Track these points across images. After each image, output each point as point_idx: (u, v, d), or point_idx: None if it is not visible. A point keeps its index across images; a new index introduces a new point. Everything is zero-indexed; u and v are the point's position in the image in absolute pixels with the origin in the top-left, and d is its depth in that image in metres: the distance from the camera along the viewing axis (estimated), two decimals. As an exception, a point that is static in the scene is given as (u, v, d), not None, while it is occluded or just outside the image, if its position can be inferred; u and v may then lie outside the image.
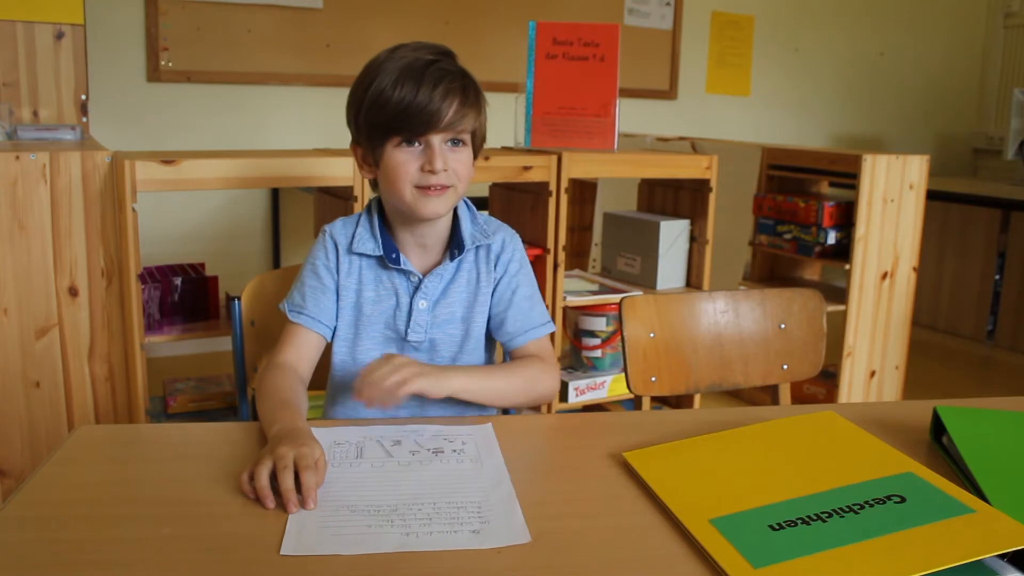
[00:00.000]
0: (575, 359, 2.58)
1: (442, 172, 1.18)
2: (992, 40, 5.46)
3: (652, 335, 1.43)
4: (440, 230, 1.28)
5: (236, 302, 1.44)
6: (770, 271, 3.38)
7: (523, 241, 1.35)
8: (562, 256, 2.32)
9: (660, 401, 2.65)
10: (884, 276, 2.89)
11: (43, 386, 1.89)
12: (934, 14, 5.32)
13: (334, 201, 2.18)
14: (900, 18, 5.23)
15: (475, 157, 1.25)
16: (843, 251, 2.92)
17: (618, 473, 0.94)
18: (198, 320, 2.13)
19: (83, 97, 2.72)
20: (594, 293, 2.47)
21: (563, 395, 2.45)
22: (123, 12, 3.36)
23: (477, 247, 1.29)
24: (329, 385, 1.32)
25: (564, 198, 2.30)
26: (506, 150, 2.40)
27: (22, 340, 1.86)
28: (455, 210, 1.28)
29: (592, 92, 2.33)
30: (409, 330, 1.25)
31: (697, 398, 2.54)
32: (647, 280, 2.55)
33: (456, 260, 1.27)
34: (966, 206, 4.12)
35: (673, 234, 2.53)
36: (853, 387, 2.92)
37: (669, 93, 4.60)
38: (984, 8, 5.46)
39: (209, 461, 0.95)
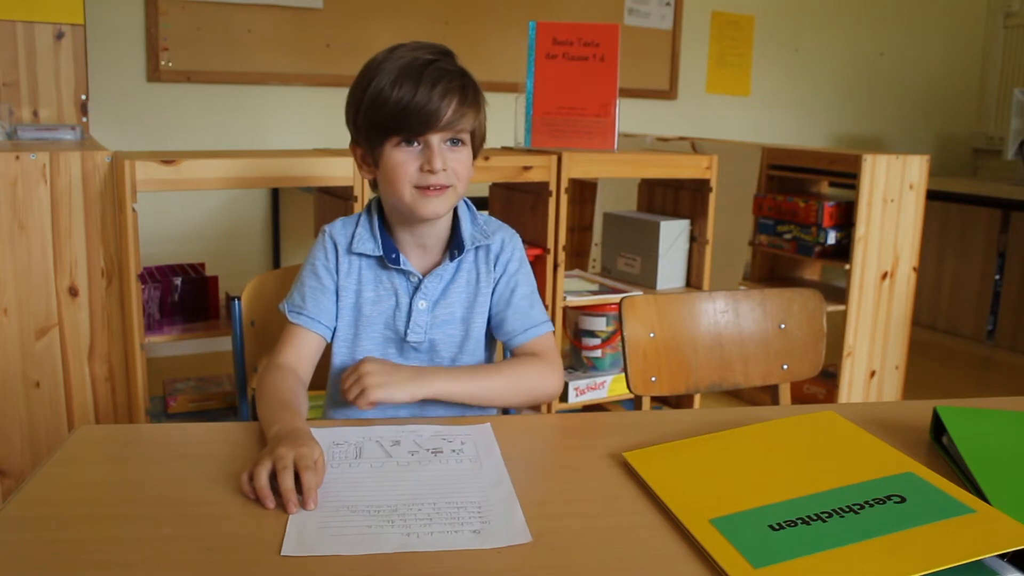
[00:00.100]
0: (575, 359, 2.58)
1: (441, 172, 1.17)
2: (992, 40, 5.46)
3: (652, 335, 1.43)
4: (440, 230, 1.28)
5: (236, 302, 1.44)
6: (770, 271, 3.38)
7: (523, 241, 1.35)
8: (562, 256, 2.32)
9: (660, 401, 2.65)
10: (884, 276, 2.89)
11: (43, 386, 1.89)
12: (934, 14, 5.32)
13: (334, 201, 2.18)
14: (900, 18, 5.23)
15: (475, 157, 1.25)
16: (843, 251, 2.92)
17: (618, 473, 0.94)
18: (198, 320, 2.13)
19: (83, 97, 2.72)
20: (594, 293, 2.47)
21: (563, 395, 2.45)
22: (123, 12, 3.36)
23: (477, 247, 1.29)
24: (329, 385, 1.32)
25: (564, 198, 2.30)
26: (506, 150, 2.40)
27: (22, 340, 1.86)
28: (455, 210, 1.28)
29: (592, 92, 2.33)
30: (409, 331, 1.25)
31: (697, 398, 2.54)
32: (647, 280, 2.55)
33: (456, 260, 1.27)
34: (966, 206, 4.12)
35: (673, 234, 2.53)
36: (853, 387, 2.92)
37: (669, 93, 4.60)
38: (984, 8, 5.47)
39: (209, 461, 0.95)
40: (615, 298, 2.43)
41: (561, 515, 0.85)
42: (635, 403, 1.42)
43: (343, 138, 1.29)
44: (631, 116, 3.98)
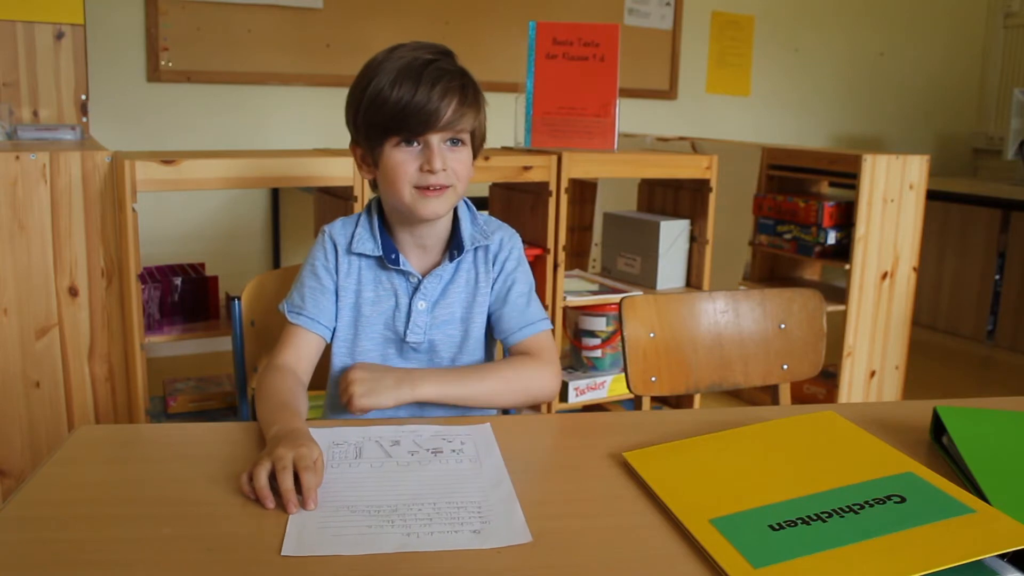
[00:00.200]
0: (575, 359, 2.58)
1: (441, 172, 1.17)
2: (992, 40, 5.46)
3: (652, 335, 1.43)
4: (440, 231, 1.28)
5: (236, 302, 1.44)
6: (770, 271, 3.38)
7: (523, 241, 1.35)
8: (562, 256, 2.32)
9: (660, 401, 2.65)
10: (884, 276, 2.89)
11: (43, 386, 1.89)
12: (934, 14, 5.32)
13: (334, 201, 2.18)
14: (900, 18, 5.23)
15: (475, 157, 1.25)
16: (843, 251, 2.92)
17: (618, 473, 0.94)
18: (198, 320, 2.13)
19: (83, 97, 2.72)
20: (594, 293, 2.47)
21: (563, 395, 2.45)
22: (123, 12, 3.36)
23: (476, 247, 1.28)
24: (329, 386, 1.32)
25: (564, 198, 2.30)
26: (506, 150, 2.40)
27: (22, 340, 1.86)
28: (455, 210, 1.28)
29: (592, 92, 2.33)
30: (408, 331, 1.25)
31: (697, 398, 2.54)
32: (647, 280, 2.55)
33: (455, 261, 1.27)
34: (966, 206, 4.12)
35: (673, 234, 2.53)
36: (853, 387, 2.92)
37: (669, 93, 4.60)
38: (984, 8, 5.47)
39: (209, 461, 0.95)
40: (615, 298, 2.43)
41: (561, 515, 0.85)
42: (635, 403, 1.42)
43: (343, 138, 1.29)
44: (631, 116, 3.98)
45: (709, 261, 2.56)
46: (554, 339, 1.32)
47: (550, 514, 0.85)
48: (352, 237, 1.27)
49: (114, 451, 1.01)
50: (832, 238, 2.94)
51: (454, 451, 0.99)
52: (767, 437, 1.01)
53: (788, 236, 3.09)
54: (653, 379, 1.43)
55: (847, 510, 0.81)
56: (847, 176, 2.86)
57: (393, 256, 1.25)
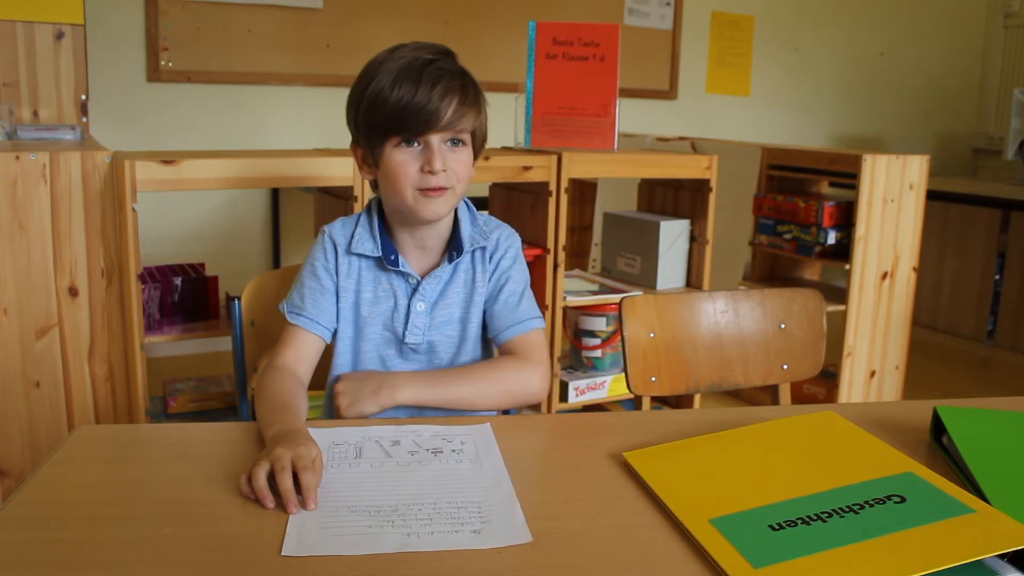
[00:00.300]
0: (575, 359, 2.57)
1: (441, 173, 1.17)
2: (992, 40, 5.46)
3: (652, 335, 1.43)
4: (441, 232, 1.27)
5: (236, 302, 1.44)
6: (770, 271, 3.38)
7: (523, 241, 1.35)
8: (562, 256, 2.32)
9: (660, 401, 2.65)
10: (884, 276, 2.89)
11: (43, 386, 1.89)
12: (934, 14, 5.32)
13: (334, 201, 2.18)
14: (900, 18, 5.23)
15: (475, 157, 1.24)
16: (843, 251, 2.92)
17: (618, 473, 0.94)
18: (198, 320, 2.13)
19: (83, 97, 2.72)
20: (594, 293, 2.47)
21: (563, 395, 2.45)
22: (123, 12, 3.36)
23: (474, 248, 1.28)
24: (329, 386, 1.32)
25: (564, 198, 2.30)
26: (506, 150, 2.40)
27: (22, 340, 1.86)
28: (455, 211, 1.28)
29: (592, 92, 2.33)
30: (407, 332, 1.25)
31: (697, 398, 2.54)
32: (647, 280, 2.55)
33: (454, 263, 1.27)
34: (966, 206, 4.12)
35: (673, 234, 2.53)
36: (853, 387, 2.92)
37: (669, 93, 4.60)
38: (984, 8, 5.47)
39: (209, 461, 0.95)
40: (615, 298, 2.43)
41: (561, 515, 0.85)
42: (635, 403, 1.42)
43: (343, 138, 1.29)
44: (631, 116, 3.98)
45: (709, 261, 2.56)
46: (546, 339, 1.29)
47: (550, 514, 0.85)
48: (352, 237, 1.26)
49: (114, 451, 1.01)
50: (832, 238, 2.94)
51: (454, 451, 0.99)
52: (767, 437, 1.01)
53: (788, 236, 3.09)
54: (653, 379, 1.43)
55: (847, 510, 0.81)
56: (847, 176, 2.86)
57: (392, 257, 1.25)
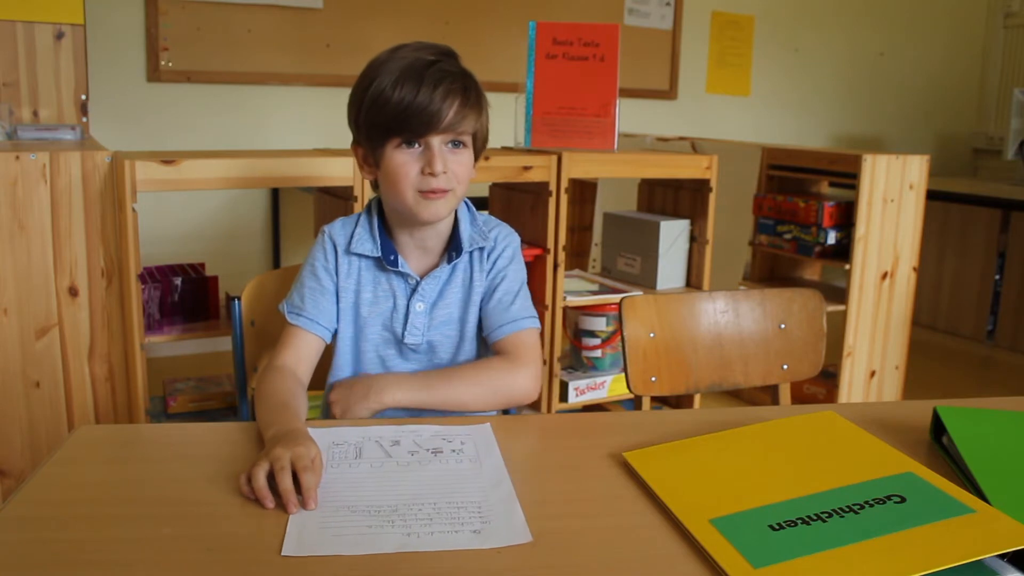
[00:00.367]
0: (575, 359, 2.58)
1: (442, 175, 1.17)
2: (992, 40, 5.46)
3: (652, 335, 1.43)
4: (440, 232, 1.27)
5: (236, 302, 1.44)
6: (770, 271, 3.38)
7: (523, 241, 1.35)
8: (562, 256, 2.32)
9: (660, 401, 2.65)
10: (884, 276, 2.89)
11: (43, 386, 1.89)
12: (934, 14, 5.32)
13: (334, 201, 2.18)
14: (900, 18, 5.23)
15: (476, 159, 1.24)
16: (843, 251, 2.92)
17: (618, 473, 0.94)
18: (198, 320, 2.13)
19: (83, 97, 2.72)
20: (594, 293, 2.47)
21: (563, 395, 2.45)
22: (123, 12, 3.36)
23: (473, 249, 1.28)
24: (326, 390, 1.31)
25: (564, 198, 2.30)
26: (506, 150, 2.40)
27: (22, 340, 1.86)
28: (455, 212, 1.28)
29: (592, 92, 2.33)
30: (406, 332, 1.25)
31: (697, 398, 2.54)
32: (647, 280, 2.55)
33: (452, 263, 1.26)
34: (966, 206, 4.12)
35: (673, 234, 2.53)
36: (853, 387, 2.92)
37: (669, 93, 4.60)
38: (984, 8, 5.47)
39: (209, 461, 0.95)
40: (615, 298, 2.43)
41: (561, 515, 0.85)
42: (635, 403, 1.42)
43: (343, 138, 1.29)
44: (631, 116, 3.98)
45: (709, 261, 2.56)
46: (539, 340, 1.28)
47: (550, 514, 0.85)
48: (351, 237, 1.26)
49: (114, 451, 1.01)
50: (832, 238, 2.94)
51: (454, 451, 0.99)
52: (767, 437, 1.01)
53: (788, 236, 3.09)
54: (653, 379, 1.43)
55: (847, 510, 0.81)
56: (847, 176, 2.86)
57: (392, 257, 1.25)
